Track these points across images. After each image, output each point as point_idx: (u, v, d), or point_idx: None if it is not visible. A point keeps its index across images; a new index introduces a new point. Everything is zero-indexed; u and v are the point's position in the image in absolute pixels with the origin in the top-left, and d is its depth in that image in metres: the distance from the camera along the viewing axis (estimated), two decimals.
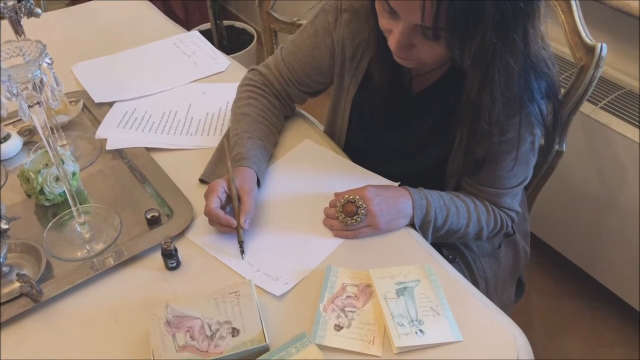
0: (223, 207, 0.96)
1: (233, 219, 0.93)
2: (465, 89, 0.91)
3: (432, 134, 1.07)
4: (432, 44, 0.85)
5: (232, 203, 0.96)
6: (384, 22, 0.89)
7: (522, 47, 0.84)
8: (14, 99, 0.78)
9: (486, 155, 0.99)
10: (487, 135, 0.94)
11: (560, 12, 1.10)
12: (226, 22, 2.74)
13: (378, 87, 1.04)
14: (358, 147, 1.18)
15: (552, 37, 0.96)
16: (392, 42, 0.87)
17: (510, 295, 1.26)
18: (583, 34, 1.08)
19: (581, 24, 1.08)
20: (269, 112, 1.13)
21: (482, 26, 0.79)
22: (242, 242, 0.93)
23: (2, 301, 0.86)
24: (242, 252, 0.93)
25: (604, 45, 1.06)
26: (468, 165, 1.01)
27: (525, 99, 0.91)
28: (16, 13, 0.97)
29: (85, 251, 0.96)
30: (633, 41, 1.57)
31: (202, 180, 1.06)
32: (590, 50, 1.07)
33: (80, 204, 0.97)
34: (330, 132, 1.23)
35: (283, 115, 1.18)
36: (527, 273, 1.89)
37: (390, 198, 0.98)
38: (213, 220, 0.95)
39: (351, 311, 0.85)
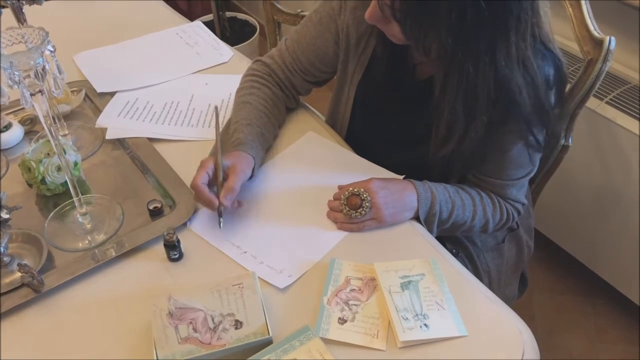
0: (212, 184, 0.95)
1: (215, 200, 0.92)
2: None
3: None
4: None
5: (216, 180, 0.95)
6: None
7: (487, 62, 0.84)
8: (16, 86, 0.77)
9: (487, 150, 0.98)
10: (448, 139, 0.94)
11: (568, 6, 1.09)
12: (228, 14, 2.73)
13: (380, 69, 1.04)
14: (360, 137, 1.17)
15: (560, 32, 0.95)
16: (367, 12, 0.90)
17: (513, 290, 1.25)
18: (591, 27, 1.07)
19: (589, 17, 1.07)
20: (271, 102, 1.12)
21: (436, 24, 0.80)
22: (220, 212, 0.92)
23: (3, 291, 0.86)
24: (220, 222, 0.92)
25: (612, 38, 1.05)
26: (453, 160, 1.01)
27: (498, 121, 0.91)
28: (18, 0, 0.96)
29: (87, 242, 0.95)
30: (639, 35, 1.55)
31: None
32: (599, 43, 1.06)
33: (82, 194, 0.96)
34: (332, 122, 1.22)
35: (285, 106, 1.17)
36: (529, 268, 1.88)
37: (395, 191, 0.97)
38: (197, 196, 0.94)
39: (355, 304, 0.84)
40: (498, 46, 0.83)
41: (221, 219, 0.93)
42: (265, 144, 1.08)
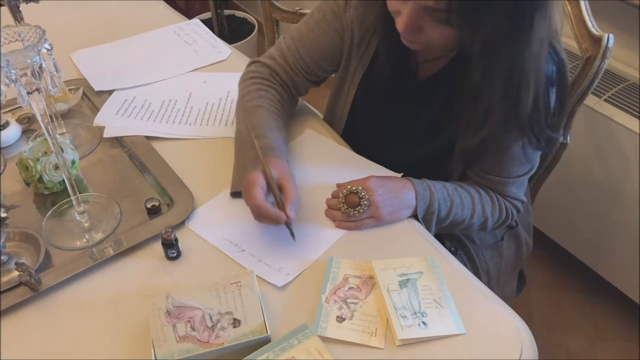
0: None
1: (283, 214, 0.89)
2: (468, 77, 0.90)
3: (436, 122, 1.06)
4: (442, 28, 0.83)
5: (272, 192, 0.91)
6: (392, 4, 0.87)
7: (527, 40, 0.82)
8: (13, 85, 0.76)
9: (489, 145, 0.97)
10: (480, 126, 0.93)
11: (567, 3, 1.09)
12: (227, 12, 2.72)
13: (383, 69, 1.03)
14: (357, 135, 1.17)
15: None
16: (400, 23, 0.86)
17: (511, 288, 1.25)
18: (590, 25, 1.07)
19: (588, 15, 1.07)
20: (279, 105, 1.10)
21: (492, 10, 0.78)
22: (289, 225, 0.90)
23: (0, 290, 0.86)
24: (292, 234, 0.91)
25: (610, 36, 1.05)
26: (465, 154, 1.00)
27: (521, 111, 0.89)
28: None
29: (85, 240, 0.95)
30: (637, 33, 1.55)
31: (233, 194, 1.00)
32: (597, 41, 1.06)
33: (79, 193, 0.96)
34: (329, 119, 1.21)
35: (289, 107, 1.16)
36: (528, 266, 1.88)
37: (393, 189, 0.97)
38: (261, 215, 0.90)
39: (353, 303, 0.84)
40: (534, 29, 0.81)
41: (293, 231, 0.90)
42: (286, 147, 1.05)
